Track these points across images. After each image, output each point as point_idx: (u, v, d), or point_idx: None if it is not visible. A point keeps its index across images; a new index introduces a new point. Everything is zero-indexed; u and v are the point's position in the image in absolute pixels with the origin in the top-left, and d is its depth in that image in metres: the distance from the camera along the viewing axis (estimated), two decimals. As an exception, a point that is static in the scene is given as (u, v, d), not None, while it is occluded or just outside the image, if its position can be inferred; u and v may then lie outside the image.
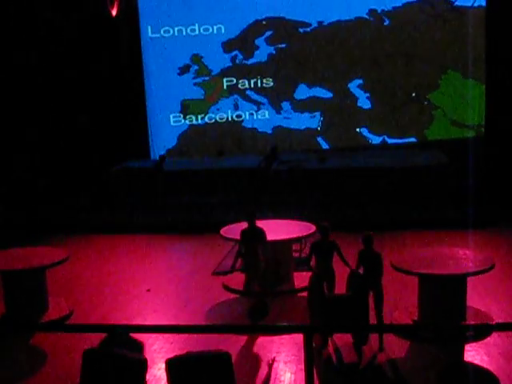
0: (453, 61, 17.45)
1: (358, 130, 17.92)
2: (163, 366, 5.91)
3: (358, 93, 17.80)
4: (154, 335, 8.22)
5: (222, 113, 17.99)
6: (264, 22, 17.74)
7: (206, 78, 17.94)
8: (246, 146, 18.03)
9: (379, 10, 17.60)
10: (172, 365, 5.70)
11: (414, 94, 17.76)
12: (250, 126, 18.02)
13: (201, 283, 10.86)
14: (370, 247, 8.19)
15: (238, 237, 9.41)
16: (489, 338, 8.15)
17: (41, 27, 16.14)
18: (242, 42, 17.78)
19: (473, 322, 8.62)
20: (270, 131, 17.97)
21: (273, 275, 10.09)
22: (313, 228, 10.19)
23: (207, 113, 17.98)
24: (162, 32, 17.70)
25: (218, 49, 17.76)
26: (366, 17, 17.63)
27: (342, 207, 14.40)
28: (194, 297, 10.25)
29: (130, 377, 5.70)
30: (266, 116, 17.98)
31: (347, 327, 7.61)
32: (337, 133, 17.99)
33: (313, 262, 8.65)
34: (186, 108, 17.97)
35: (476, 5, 17.01)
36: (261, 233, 9.18)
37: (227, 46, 17.80)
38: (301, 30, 17.75)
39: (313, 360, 5.09)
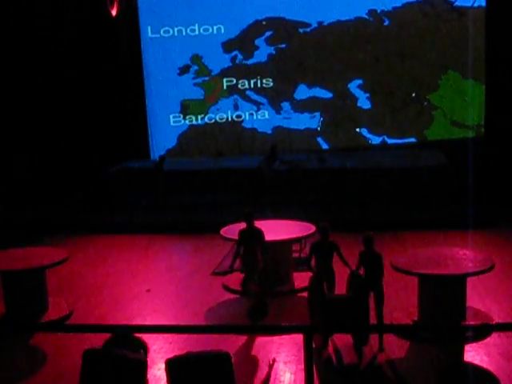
0: (453, 61, 17.44)
1: (357, 130, 17.92)
2: (163, 366, 5.91)
3: (358, 93, 17.80)
4: (153, 335, 8.21)
5: (222, 113, 17.99)
6: (264, 22, 17.74)
7: (206, 78, 17.94)
8: (245, 146, 18.02)
9: (379, 11, 17.60)
10: (172, 365, 5.70)
11: (413, 95, 17.76)
12: (249, 126, 18.01)
13: (201, 283, 10.86)
14: (370, 248, 8.19)
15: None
16: (489, 339, 8.15)
17: (41, 27, 16.14)
18: (242, 42, 17.78)
19: (473, 322, 8.62)
20: (269, 131, 17.97)
21: (272, 275, 10.09)
22: (313, 228, 10.19)
23: (207, 113, 17.98)
24: (161, 32, 17.70)
25: (217, 49, 17.76)
26: (366, 17, 17.63)
27: (342, 207, 14.40)
28: (194, 297, 10.25)
29: (129, 377, 5.70)
30: (266, 116, 17.98)
31: (347, 327, 7.62)
32: (337, 133, 17.99)
33: (313, 263, 8.65)
34: (185, 108, 17.97)
35: (476, 5, 17.01)
36: (259, 233, 9.18)
37: (227, 46, 17.80)
38: (301, 31, 17.75)
39: (312, 360, 5.09)
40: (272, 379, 7.54)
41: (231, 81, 17.89)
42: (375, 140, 17.87)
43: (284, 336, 8.34)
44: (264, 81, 17.87)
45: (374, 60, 17.69)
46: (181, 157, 17.81)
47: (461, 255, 8.92)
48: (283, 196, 14.62)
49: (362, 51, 17.66)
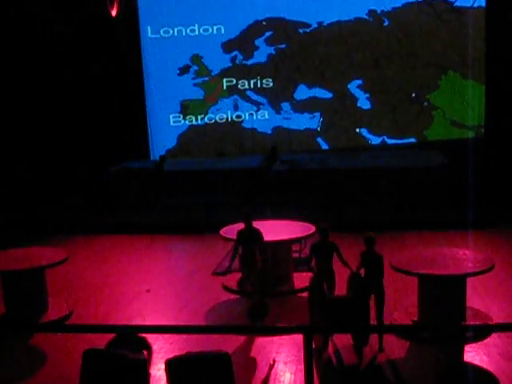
0: (452, 61, 17.45)
1: (357, 130, 17.92)
2: (163, 366, 5.92)
3: (358, 93, 17.81)
4: (153, 335, 8.19)
5: (222, 113, 17.99)
6: (264, 23, 17.74)
7: (206, 79, 17.94)
8: (245, 146, 18.03)
9: (379, 11, 17.60)
10: (172, 365, 5.71)
11: (413, 95, 17.77)
12: (249, 126, 18.01)
13: (201, 283, 10.86)
14: (371, 248, 8.18)
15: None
16: (488, 339, 8.15)
17: (41, 27, 16.13)
18: (242, 42, 17.78)
19: (472, 323, 8.63)
20: (269, 132, 17.97)
21: (272, 275, 10.09)
22: (312, 228, 10.19)
23: (207, 113, 17.98)
24: (161, 32, 17.70)
25: (217, 49, 17.76)
26: (366, 17, 17.63)
27: (342, 208, 14.40)
28: (194, 297, 10.25)
29: (129, 377, 5.70)
30: (266, 116, 17.98)
31: (347, 328, 7.62)
32: (336, 133, 17.99)
33: (313, 263, 8.65)
34: (185, 108, 17.97)
35: (476, 5, 17.02)
36: (257, 234, 9.19)
37: (227, 46, 17.80)
38: (300, 31, 17.75)
39: (312, 360, 5.09)
40: (272, 379, 7.54)
41: (231, 81, 17.89)
42: (375, 140, 17.88)
43: (284, 336, 8.34)
44: (264, 81, 17.87)
45: (374, 60, 17.70)
46: (181, 157, 17.81)
47: (461, 255, 8.92)
48: (283, 196, 14.62)
49: (361, 51, 17.66)
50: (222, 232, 10.47)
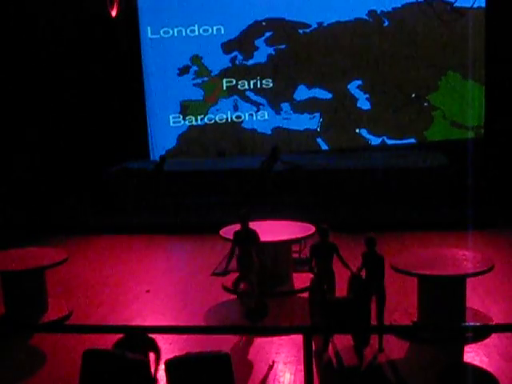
0: (452, 62, 17.44)
1: (357, 130, 17.92)
2: (162, 366, 5.92)
3: (358, 94, 17.80)
4: (153, 336, 8.22)
5: (222, 113, 17.98)
6: (264, 23, 17.74)
7: (206, 79, 17.93)
8: (245, 146, 18.03)
9: (379, 11, 17.60)
10: (171, 365, 5.71)
11: (413, 95, 17.76)
12: (249, 126, 18.01)
13: (200, 284, 10.87)
14: (372, 249, 8.17)
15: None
16: (488, 339, 8.16)
17: (41, 27, 16.14)
18: (242, 42, 17.77)
19: (472, 323, 8.63)
20: (269, 132, 17.97)
21: (272, 276, 10.10)
22: (312, 229, 10.20)
23: (207, 113, 17.98)
24: (161, 33, 17.69)
25: (217, 49, 17.75)
26: (366, 18, 17.63)
27: (342, 208, 14.40)
28: (194, 297, 10.26)
29: (129, 377, 5.71)
30: (266, 117, 17.98)
31: (347, 328, 7.62)
32: (336, 134, 17.99)
33: (313, 264, 8.65)
34: (185, 109, 17.96)
35: (476, 6, 17.00)
36: (254, 234, 9.19)
37: (227, 46, 17.80)
38: (300, 31, 17.75)
39: (312, 361, 5.09)
40: (271, 380, 7.54)
41: (231, 81, 17.89)
42: (375, 141, 17.88)
43: (284, 336, 8.35)
44: (264, 81, 17.87)
45: (374, 61, 17.69)
46: (180, 157, 17.81)
47: (460, 256, 8.92)
48: (283, 196, 14.63)
49: (361, 52, 17.65)
50: (221, 232, 10.47)
